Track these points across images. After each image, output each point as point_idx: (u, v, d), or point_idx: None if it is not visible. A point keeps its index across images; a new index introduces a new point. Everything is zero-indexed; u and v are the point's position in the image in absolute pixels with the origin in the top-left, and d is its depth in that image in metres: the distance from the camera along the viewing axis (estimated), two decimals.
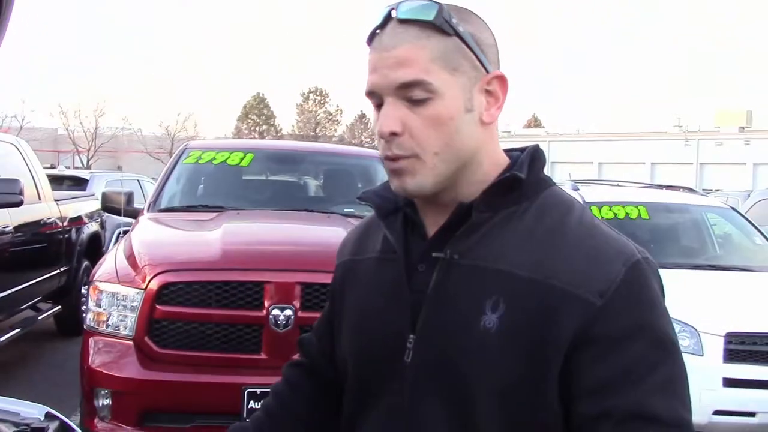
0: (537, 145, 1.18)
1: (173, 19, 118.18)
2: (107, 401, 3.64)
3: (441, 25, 1.06)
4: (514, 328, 1.04)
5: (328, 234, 4.38)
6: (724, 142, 42.70)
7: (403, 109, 1.07)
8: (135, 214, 5.11)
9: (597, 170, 43.01)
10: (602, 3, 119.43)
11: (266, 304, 3.63)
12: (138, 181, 12.76)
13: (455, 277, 1.09)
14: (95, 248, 8.36)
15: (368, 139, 78.93)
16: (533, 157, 1.15)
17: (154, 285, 3.66)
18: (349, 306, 1.25)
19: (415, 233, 1.17)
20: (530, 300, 1.04)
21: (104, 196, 5.35)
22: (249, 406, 3.55)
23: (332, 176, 5.85)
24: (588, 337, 1.01)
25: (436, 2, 1.07)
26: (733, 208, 7.05)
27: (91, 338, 3.80)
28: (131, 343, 3.68)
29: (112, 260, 4.02)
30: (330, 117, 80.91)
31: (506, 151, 1.19)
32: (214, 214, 4.67)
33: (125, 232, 10.45)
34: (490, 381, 1.04)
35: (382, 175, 5.65)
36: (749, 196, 13.37)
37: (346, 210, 5.14)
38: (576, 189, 6.55)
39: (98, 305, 3.81)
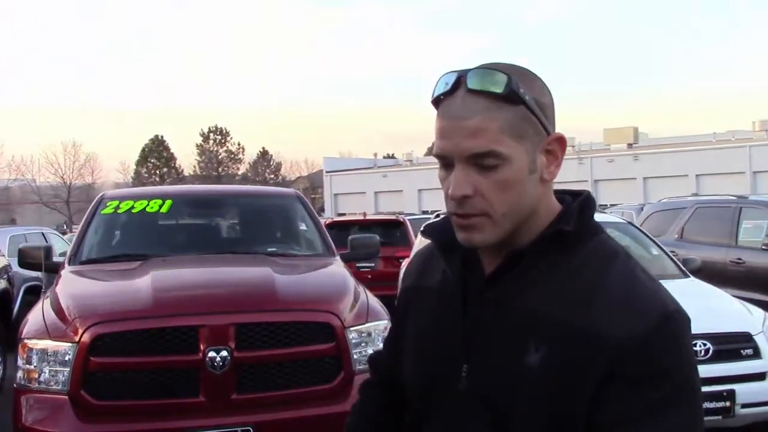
0: (588, 193, 1.28)
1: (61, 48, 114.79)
2: None
3: (510, 96, 1.14)
4: (553, 367, 1.14)
5: (256, 274, 4.49)
6: (614, 159, 44.74)
7: (474, 174, 1.16)
8: (55, 268, 5.05)
9: None
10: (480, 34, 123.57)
11: (202, 347, 3.69)
12: (42, 233, 12.41)
13: (505, 316, 1.20)
14: (4, 306, 8.10)
15: (272, 176, 78.64)
16: (582, 207, 1.24)
17: (86, 337, 3.67)
18: (409, 330, 1.38)
19: (473, 269, 1.28)
20: (568, 344, 1.13)
21: (21, 252, 5.24)
22: None
23: (252, 217, 5.92)
24: (618, 375, 1.10)
25: (505, 73, 1.15)
26: (629, 222, 7.53)
27: (23, 396, 3.76)
28: (66, 397, 3.67)
29: (40, 316, 4.00)
30: (232, 156, 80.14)
31: (558, 193, 1.28)
32: (138, 262, 4.68)
33: (33, 288, 10.19)
34: (529, 412, 1.15)
35: (300, 212, 5.79)
36: (642, 209, 14.14)
37: (269, 249, 5.25)
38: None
39: (29, 362, 3.78)
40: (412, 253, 9.21)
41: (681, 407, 1.11)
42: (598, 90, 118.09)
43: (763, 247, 8.14)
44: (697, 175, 40.31)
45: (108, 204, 5.47)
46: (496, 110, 1.14)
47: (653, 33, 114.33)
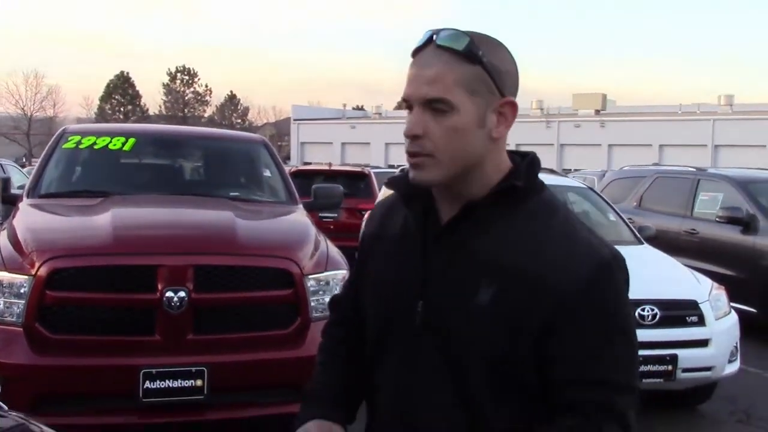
0: (534, 154, 1.44)
1: None
2: None
3: (469, 55, 1.30)
4: (501, 305, 1.29)
5: (218, 217, 4.50)
6: (581, 124, 45.03)
7: (427, 118, 1.32)
8: (13, 200, 4.99)
9: None
10: None
11: (159, 286, 3.71)
12: (0, 165, 12.17)
13: (460, 258, 1.35)
14: None
15: (239, 121, 77.66)
16: (530, 166, 1.40)
17: (43, 271, 3.66)
18: (371, 272, 1.52)
19: (431, 219, 1.42)
20: (516, 286, 1.29)
21: None
22: (145, 387, 3.64)
23: (217, 160, 5.88)
24: (561, 319, 1.27)
25: (468, 34, 1.32)
26: (589, 188, 7.65)
27: None
28: (21, 329, 3.67)
29: None
30: (199, 98, 78.84)
31: (510, 153, 1.43)
32: (99, 199, 4.65)
33: None
34: (480, 347, 1.30)
35: (264, 159, 5.77)
36: (604, 175, 14.34)
37: (232, 193, 5.24)
38: None
39: None
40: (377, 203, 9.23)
41: (621, 343, 1.30)
42: (569, 54, 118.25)
43: (717, 219, 8.33)
44: (660, 146, 40.84)
45: (70, 139, 5.40)
46: (455, 64, 1.31)
47: (631, 2, 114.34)
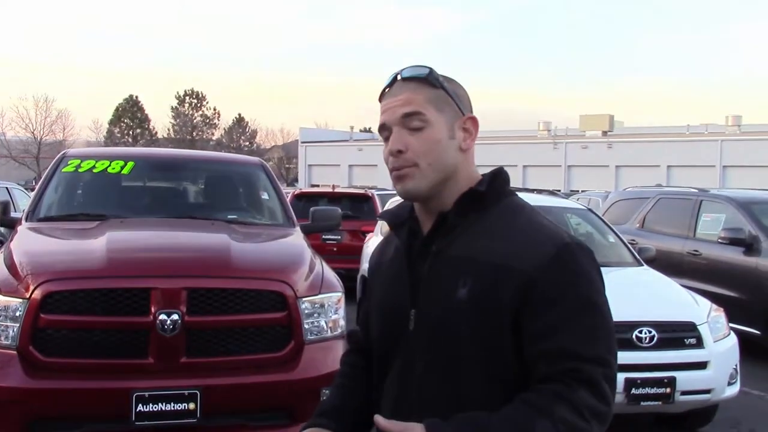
0: (501, 167, 1.61)
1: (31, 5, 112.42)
2: None
3: (432, 81, 1.53)
4: (476, 296, 1.44)
5: (212, 240, 4.51)
6: (589, 146, 45.02)
7: (406, 135, 1.52)
8: (12, 224, 5.03)
9: None
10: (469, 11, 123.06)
11: (153, 309, 3.72)
12: (7, 188, 12.26)
13: (439, 265, 1.50)
14: None
15: (247, 143, 78.00)
16: (494, 175, 1.58)
17: (37, 294, 3.68)
18: (375, 299, 1.69)
19: (416, 235, 1.59)
20: (487, 276, 1.44)
21: None
22: (137, 410, 3.64)
23: (214, 183, 5.93)
24: (527, 298, 1.40)
25: (427, 66, 1.55)
26: (589, 209, 7.63)
27: None
28: (14, 352, 3.69)
29: None
30: (207, 121, 79.29)
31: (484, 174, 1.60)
32: (96, 222, 4.68)
33: None
34: (467, 340, 1.43)
35: (262, 181, 5.81)
36: (607, 197, 14.32)
37: (229, 216, 5.26)
38: None
39: None
40: (377, 227, 9.30)
41: (589, 317, 1.41)
42: (576, 76, 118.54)
43: (719, 240, 8.29)
44: (668, 166, 40.76)
45: (69, 162, 5.45)
46: (421, 89, 1.53)
47: (637, 22, 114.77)
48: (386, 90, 1.57)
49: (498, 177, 1.57)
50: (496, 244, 1.46)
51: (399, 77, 1.55)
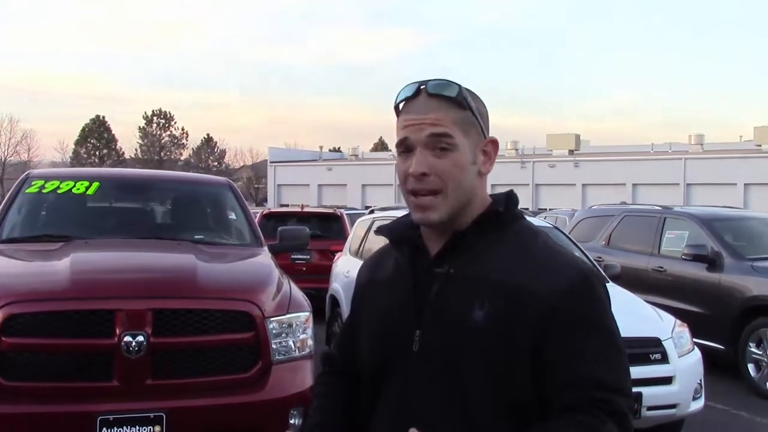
0: (512, 190, 1.58)
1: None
2: None
3: (460, 101, 1.47)
4: (494, 320, 1.39)
5: (178, 260, 4.48)
6: (556, 165, 45.48)
7: (431, 157, 1.45)
8: None
9: None
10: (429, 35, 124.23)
11: (118, 331, 3.67)
12: None
13: (452, 285, 1.46)
14: None
15: (215, 163, 77.59)
16: (508, 198, 1.54)
17: None
18: (367, 315, 1.62)
19: (420, 255, 1.54)
20: (506, 299, 1.40)
21: None
22: None
23: (181, 203, 5.89)
24: (547, 326, 1.37)
25: (456, 84, 1.49)
26: (556, 227, 7.72)
27: None
28: None
29: None
30: (175, 141, 78.77)
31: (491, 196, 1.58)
32: (60, 243, 4.62)
33: None
34: (480, 364, 1.39)
35: (230, 201, 5.78)
36: (574, 215, 14.46)
37: (196, 237, 5.23)
38: None
39: None
40: (346, 246, 9.30)
41: (611, 348, 1.39)
42: (543, 95, 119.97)
43: (683, 257, 8.42)
44: (634, 185, 41.32)
45: (33, 183, 5.39)
46: (450, 110, 1.47)
47: (603, 43, 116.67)
48: (406, 100, 1.50)
49: (511, 199, 1.55)
50: (515, 268, 1.42)
51: (424, 89, 1.48)
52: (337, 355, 1.74)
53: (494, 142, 1.53)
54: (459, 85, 1.48)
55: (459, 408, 1.40)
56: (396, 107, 1.51)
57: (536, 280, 1.39)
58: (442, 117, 1.44)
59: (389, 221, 1.67)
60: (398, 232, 1.58)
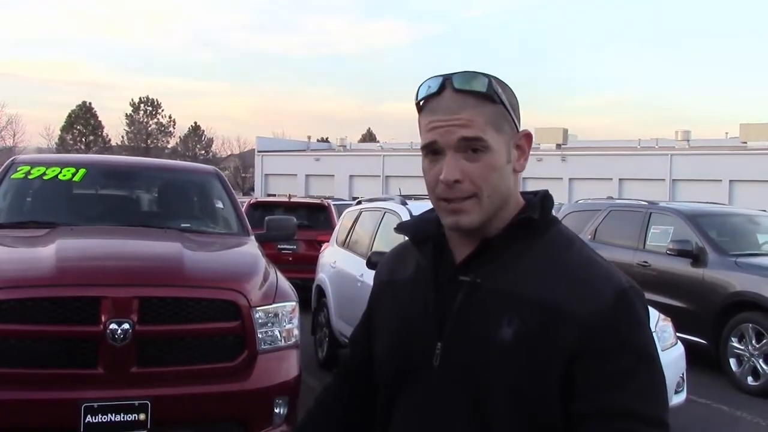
0: (547, 191, 1.45)
1: None
2: None
3: (491, 95, 1.32)
4: (524, 339, 1.27)
5: (165, 249, 4.47)
6: (543, 158, 45.61)
7: (463, 161, 1.31)
8: None
9: None
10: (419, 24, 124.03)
11: (103, 318, 3.67)
12: None
13: (478, 296, 1.33)
14: None
15: (203, 152, 77.23)
16: (543, 201, 1.40)
17: None
18: (385, 318, 1.50)
19: (444, 259, 1.41)
20: (537, 316, 1.27)
21: None
22: (86, 421, 3.59)
23: (168, 191, 5.87)
24: (583, 349, 1.24)
25: (484, 75, 1.33)
26: None
27: None
28: None
29: None
30: (162, 128, 78.33)
31: (522, 194, 1.43)
32: (46, 230, 4.61)
33: None
34: (504, 383, 1.27)
35: (217, 190, 5.77)
36: (560, 209, 14.49)
37: (183, 225, 5.22)
38: (404, 204, 6.95)
39: None
40: (333, 237, 9.29)
41: (646, 373, 1.25)
42: (530, 89, 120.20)
43: (668, 252, 8.49)
44: (620, 179, 41.47)
45: (19, 169, 5.36)
46: (482, 106, 1.31)
47: (592, 39, 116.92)
48: (431, 96, 1.34)
49: (546, 202, 1.41)
50: (548, 282, 1.29)
51: (449, 84, 1.33)
52: (350, 355, 1.65)
53: (528, 136, 1.39)
54: (488, 76, 1.33)
55: (479, 429, 1.30)
56: (417, 104, 1.37)
57: (572, 297, 1.27)
58: (474, 117, 1.30)
59: (408, 218, 1.57)
60: (421, 231, 1.45)
